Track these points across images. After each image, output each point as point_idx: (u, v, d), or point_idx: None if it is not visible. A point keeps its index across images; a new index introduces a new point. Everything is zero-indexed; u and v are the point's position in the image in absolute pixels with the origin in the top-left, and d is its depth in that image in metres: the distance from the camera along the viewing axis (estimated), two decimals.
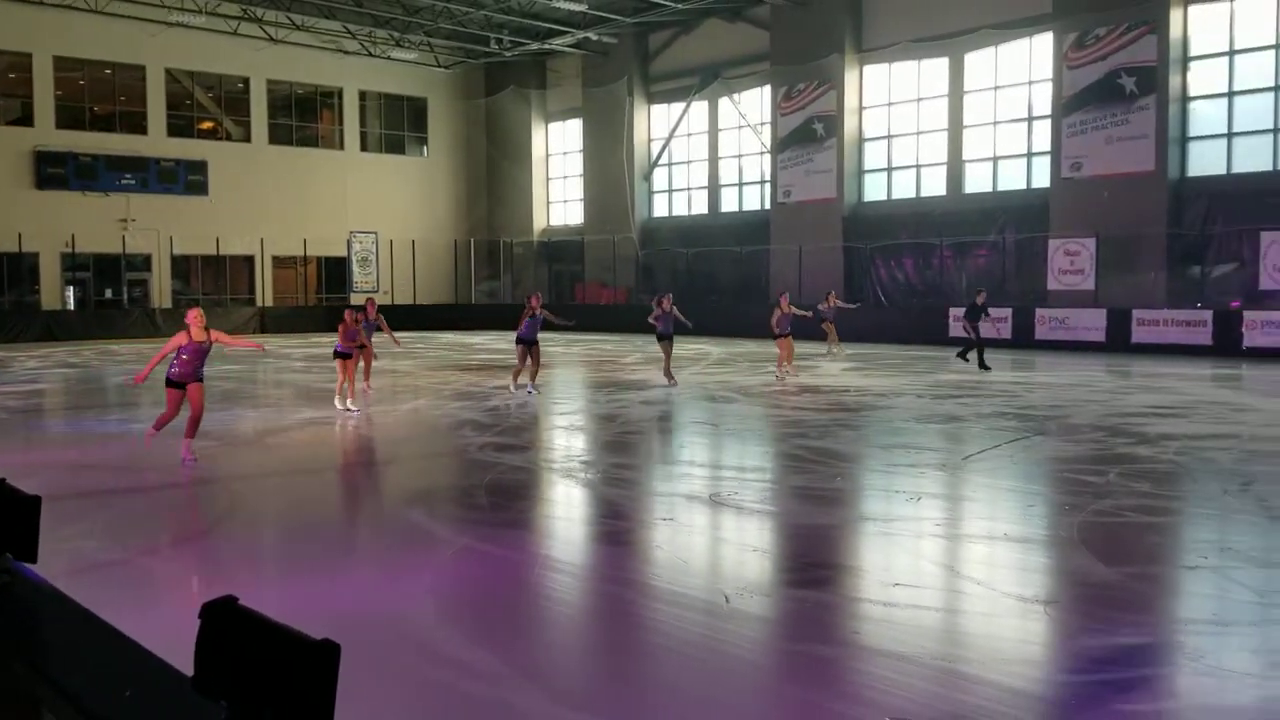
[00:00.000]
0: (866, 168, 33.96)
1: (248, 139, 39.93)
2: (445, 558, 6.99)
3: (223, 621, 2.41)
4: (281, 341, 32.84)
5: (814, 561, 6.79)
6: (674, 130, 39.64)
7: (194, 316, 10.38)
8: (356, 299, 40.64)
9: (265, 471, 10.39)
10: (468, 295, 44.01)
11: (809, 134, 34.00)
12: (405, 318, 39.14)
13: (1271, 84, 25.68)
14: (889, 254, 32.68)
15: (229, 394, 17.05)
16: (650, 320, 17.86)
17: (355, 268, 42.25)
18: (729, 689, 4.71)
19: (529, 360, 16.46)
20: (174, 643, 2.85)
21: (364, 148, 43.11)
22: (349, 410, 14.14)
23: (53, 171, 34.89)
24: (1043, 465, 10.19)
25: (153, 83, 37.45)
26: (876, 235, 32.75)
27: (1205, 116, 26.97)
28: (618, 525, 7.93)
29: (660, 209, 40.85)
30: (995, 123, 30.93)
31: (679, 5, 34.69)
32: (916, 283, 32.16)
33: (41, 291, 35.39)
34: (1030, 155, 30.19)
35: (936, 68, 31.94)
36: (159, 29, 36.19)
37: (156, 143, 37.55)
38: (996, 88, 30.80)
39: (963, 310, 23.36)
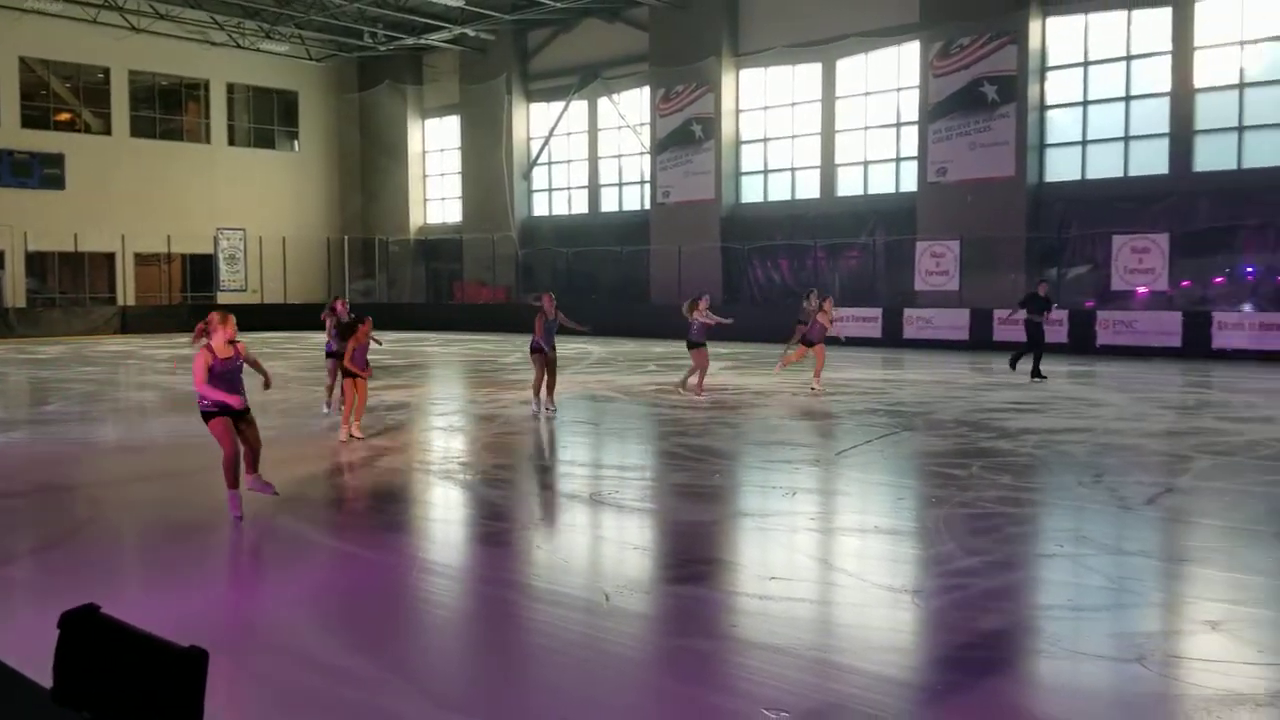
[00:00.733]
0: (744, 170, 34.50)
1: (108, 131, 38.28)
2: (319, 563, 6.84)
3: (83, 631, 2.31)
4: (144, 342, 31.59)
5: (693, 558, 6.87)
6: (553, 129, 39.57)
7: (218, 322, 7.67)
8: (224, 298, 39.41)
9: (129, 477, 9.99)
10: (342, 294, 43.07)
11: (688, 135, 34.35)
12: (276, 317, 38.14)
13: (1122, 94, 27.04)
14: (765, 255, 33.28)
15: (90, 397, 16.32)
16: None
17: (222, 265, 40.92)
18: (610, 687, 4.74)
19: (547, 373, 13.74)
20: (32, 655, 2.73)
21: (232, 141, 41.80)
22: (355, 438, 11.57)
23: None
24: (911, 460, 10.53)
25: (5, 71, 35.59)
26: (753, 236, 33.32)
27: (1061, 124, 28.22)
28: (497, 526, 7.88)
29: (540, 208, 40.71)
30: (866, 128, 31.77)
31: (557, 4, 34.63)
32: (792, 283, 32.80)
33: None
34: (899, 160, 31.11)
35: (810, 73, 32.64)
36: (14, 16, 34.40)
37: (10, 134, 35.70)
38: (867, 94, 31.64)
39: (1014, 308, 19.72)
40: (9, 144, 35.54)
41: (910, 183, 30.31)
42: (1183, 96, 25.88)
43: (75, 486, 9.38)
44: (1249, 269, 24.85)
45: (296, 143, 44.06)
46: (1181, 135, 25.92)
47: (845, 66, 31.94)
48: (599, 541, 7.56)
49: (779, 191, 33.77)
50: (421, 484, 9.59)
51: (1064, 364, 21.90)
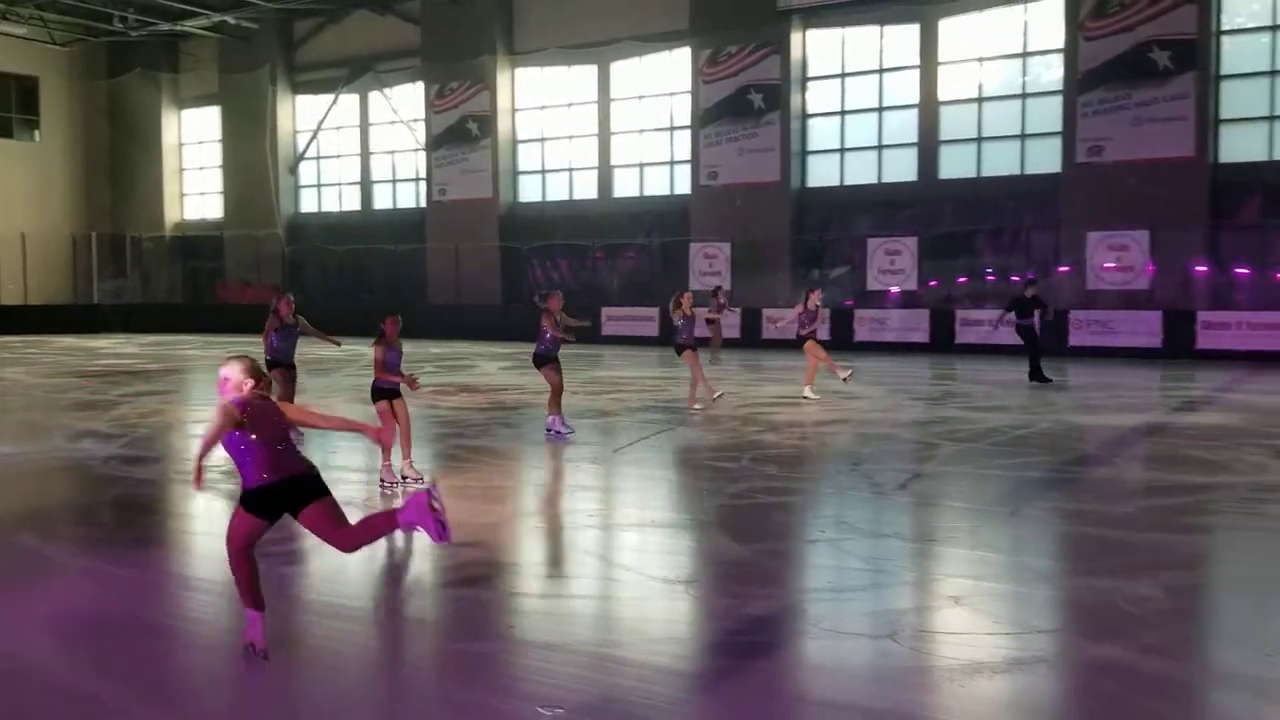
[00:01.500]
0: (521, 169, 34.47)
1: None
2: (64, 582, 6.35)
3: None
4: None
5: (472, 560, 6.81)
6: (322, 123, 38.28)
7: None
8: None
9: None
10: (89, 294, 40.14)
11: (464, 133, 33.99)
12: (14, 320, 35.14)
13: (875, 105, 28.72)
14: (544, 254, 33.39)
15: None
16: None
17: None
18: (384, 694, 4.64)
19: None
20: None
21: None
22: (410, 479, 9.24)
23: None
24: (685, 454, 10.82)
25: None
26: (532, 236, 33.36)
27: (822, 132, 29.71)
28: (264, 537, 7.53)
29: (309, 204, 39.30)
30: (641, 131, 32.40)
31: None
32: (571, 283, 33.06)
33: None
34: (673, 163, 31.90)
35: (585, 74, 32.98)
36: None
37: None
38: (641, 97, 32.27)
39: (1003, 311, 18.28)
40: None
41: (684, 185, 31.13)
42: (929, 108, 27.76)
43: None
44: (988, 270, 26.91)
45: (37, 132, 40.75)
46: (928, 145, 27.80)
47: (620, 69, 32.46)
48: (373, 549, 7.36)
49: (557, 191, 33.95)
50: (178, 495, 9.07)
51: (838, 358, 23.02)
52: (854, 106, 29.04)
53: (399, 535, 7.52)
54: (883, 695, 4.42)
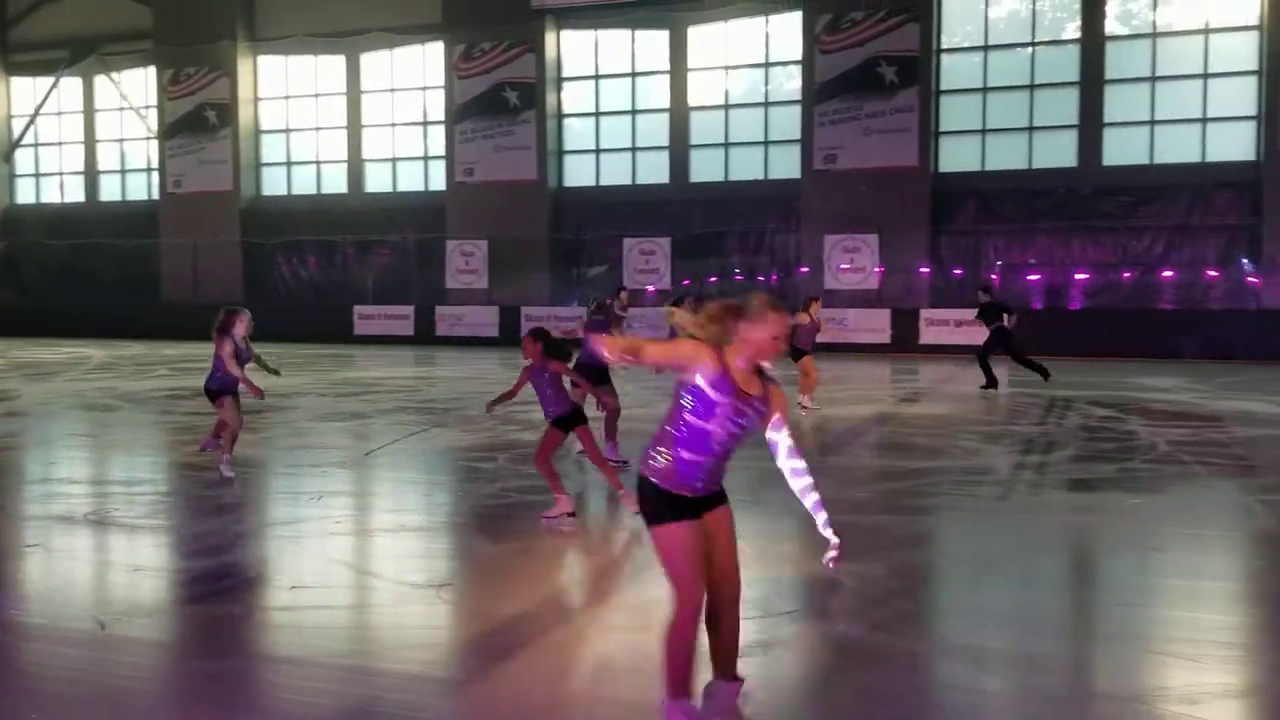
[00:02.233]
0: (265, 160, 32.94)
1: None
2: None
3: None
4: None
5: (214, 574, 6.46)
6: (40, 107, 35.22)
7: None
8: None
9: None
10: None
11: (201, 122, 32.14)
12: None
13: (629, 107, 29.32)
14: (291, 251, 32.05)
15: None
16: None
17: None
18: None
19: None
20: None
21: None
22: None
23: None
24: (442, 455, 10.68)
25: None
26: (278, 231, 31.94)
27: (579, 133, 30.04)
28: None
29: (26, 195, 36.10)
30: (394, 124, 31.68)
31: None
32: (321, 281, 31.93)
33: None
34: (427, 159, 31.39)
35: (334, 64, 31.92)
36: None
37: None
38: (394, 90, 31.56)
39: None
40: None
41: (440, 182, 30.68)
42: (680, 113, 28.62)
43: None
44: (736, 270, 28.04)
45: None
46: (679, 148, 28.67)
47: (370, 60, 31.63)
48: (102, 566, 6.86)
49: (304, 185, 32.68)
50: None
51: None
52: (608, 108, 29.53)
53: (135, 556, 7.04)
54: (638, 686, 4.52)
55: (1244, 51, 24.33)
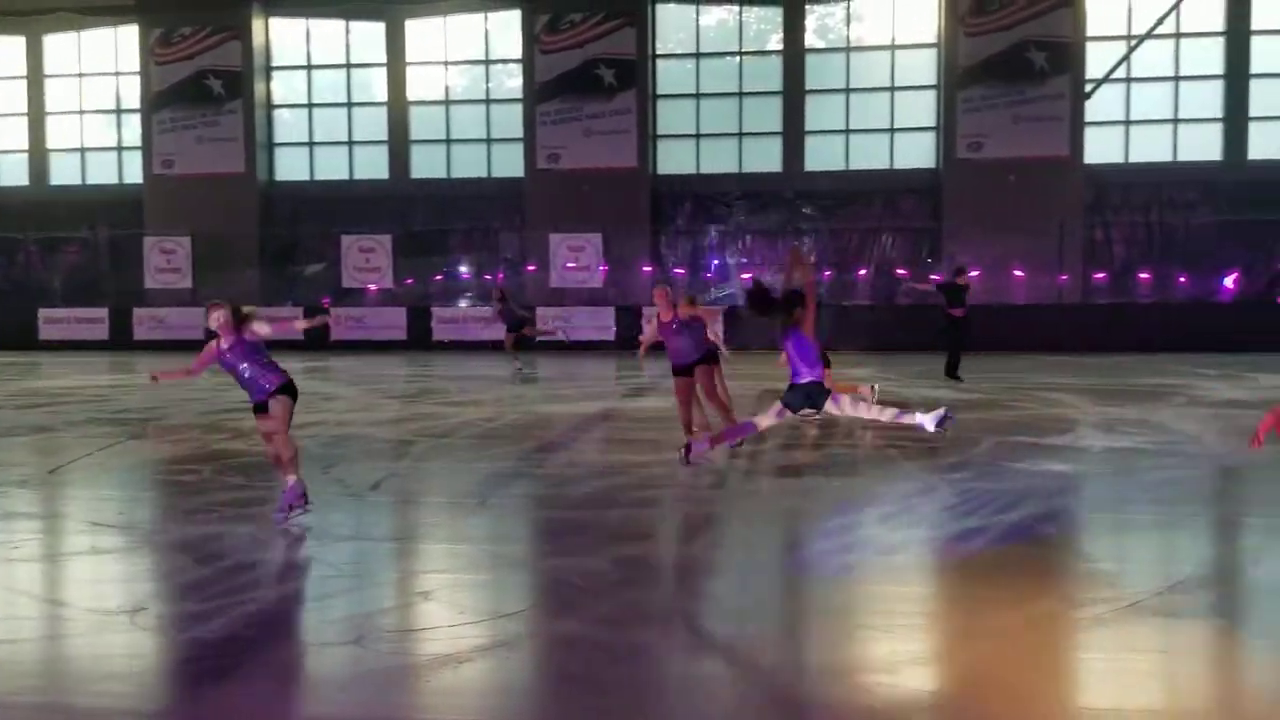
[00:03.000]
0: None
1: None
2: None
3: None
4: None
5: None
6: None
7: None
8: None
9: None
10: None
11: None
12: None
13: (345, 100, 28.38)
14: None
15: None
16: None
17: None
18: None
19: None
20: None
21: None
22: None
23: None
24: (139, 469, 9.90)
25: None
26: None
27: (291, 125, 28.75)
28: None
29: None
30: (82, 112, 29.17)
31: None
32: (1, 281, 29.00)
33: None
34: (121, 149, 29.10)
35: (13, 46, 28.98)
36: None
37: None
38: (82, 75, 29.05)
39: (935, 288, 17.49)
40: None
41: (135, 174, 28.51)
42: (398, 107, 27.99)
43: None
44: (461, 268, 27.77)
45: None
46: (399, 143, 28.04)
47: (55, 43, 28.95)
48: None
49: None
50: None
51: (300, 360, 22.35)
52: (322, 100, 28.46)
53: None
54: (351, 702, 4.34)
55: (925, 67, 26.59)
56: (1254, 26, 25.38)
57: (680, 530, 7.64)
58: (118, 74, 28.82)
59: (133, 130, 28.67)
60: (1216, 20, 25.57)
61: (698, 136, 27.26)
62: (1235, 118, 25.53)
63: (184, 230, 27.35)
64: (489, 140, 27.95)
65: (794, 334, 8.27)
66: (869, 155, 26.81)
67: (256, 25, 27.66)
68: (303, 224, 28.16)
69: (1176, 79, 25.79)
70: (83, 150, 29.27)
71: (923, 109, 26.67)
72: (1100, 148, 25.82)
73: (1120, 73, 25.58)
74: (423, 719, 4.25)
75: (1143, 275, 25.59)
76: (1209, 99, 25.75)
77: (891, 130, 26.76)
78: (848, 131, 26.85)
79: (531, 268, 26.90)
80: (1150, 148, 25.92)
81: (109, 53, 28.84)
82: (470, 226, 27.69)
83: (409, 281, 27.51)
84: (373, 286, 27.30)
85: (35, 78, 29.08)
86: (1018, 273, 24.90)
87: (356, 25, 28.03)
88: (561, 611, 5.53)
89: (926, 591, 6.19)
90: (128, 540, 7.27)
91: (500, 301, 19.26)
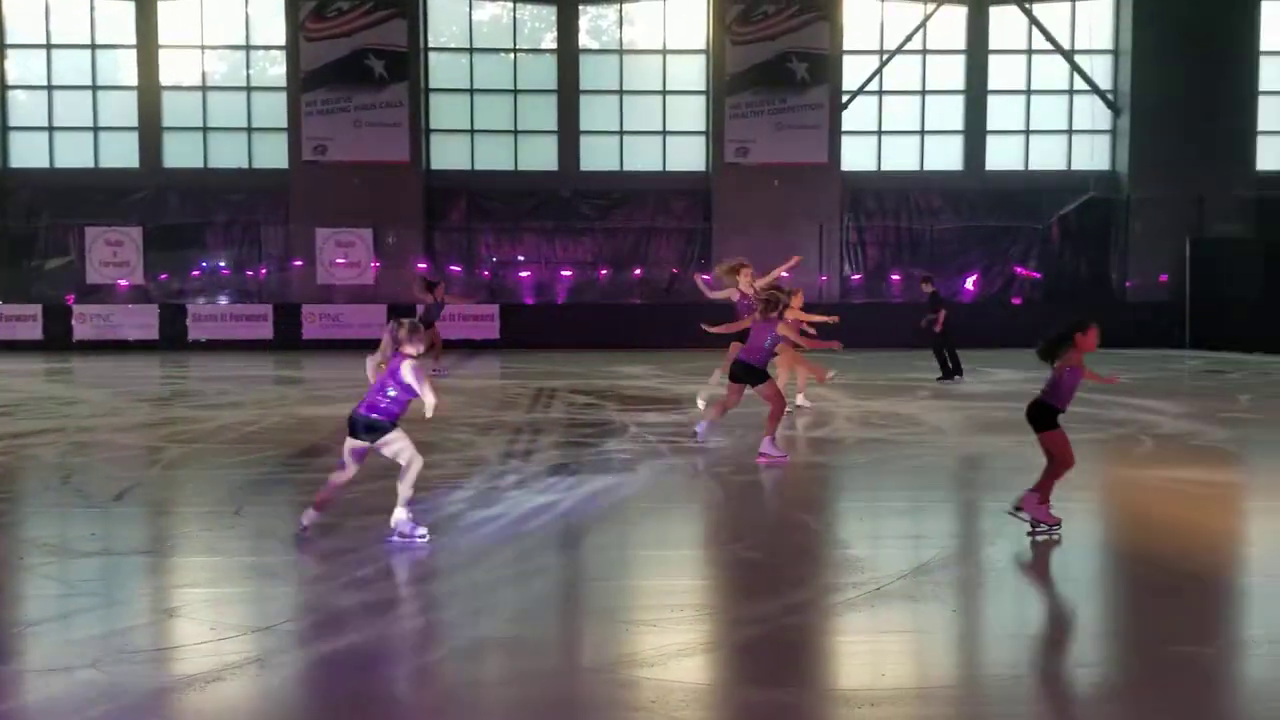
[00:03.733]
0: None
1: None
2: None
3: None
4: None
5: None
6: None
7: None
8: None
9: None
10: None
11: None
12: None
13: (89, 83, 26.37)
14: None
15: None
16: None
17: None
18: None
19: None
20: None
21: None
22: None
23: None
24: None
25: None
26: None
27: (29, 108, 26.50)
28: None
29: None
30: None
31: None
32: None
33: None
34: None
35: None
36: None
37: None
38: None
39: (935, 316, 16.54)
40: None
41: None
42: (150, 92, 26.27)
43: None
44: (221, 263, 26.35)
45: None
46: (150, 130, 26.31)
47: None
48: None
49: None
50: None
51: (39, 362, 20.63)
52: (63, 82, 26.36)
53: None
54: None
55: (695, 73, 27.30)
56: (991, 46, 27.45)
57: (455, 532, 7.46)
58: None
59: None
60: (959, 40, 27.50)
61: (472, 132, 26.95)
62: (974, 131, 27.54)
63: None
64: (250, 129, 26.65)
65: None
66: (643, 157, 27.27)
67: None
68: (42, 215, 25.98)
69: (923, 93, 27.56)
70: None
71: (694, 113, 27.37)
72: (856, 155, 27.30)
73: (874, 85, 27.12)
74: None
75: (894, 276, 27.22)
76: (952, 113, 27.67)
77: (664, 133, 27.31)
78: (622, 133, 27.21)
79: (298, 263, 25.84)
80: (900, 157, 27.62)
81: None
82: (230, 220, 26.33)
83: (162, 277, 25.87)
84: (122, 282, 25.49)
85: None
86: (783, 274, 25.89)
87: (102, 4, 26.10)
88: (323, 625, 5.29)
89: (695, 585, 6.31)
90: None
91: (428, 293, 17.74)
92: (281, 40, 26.15)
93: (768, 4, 26.17)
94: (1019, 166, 27.65)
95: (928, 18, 26.90)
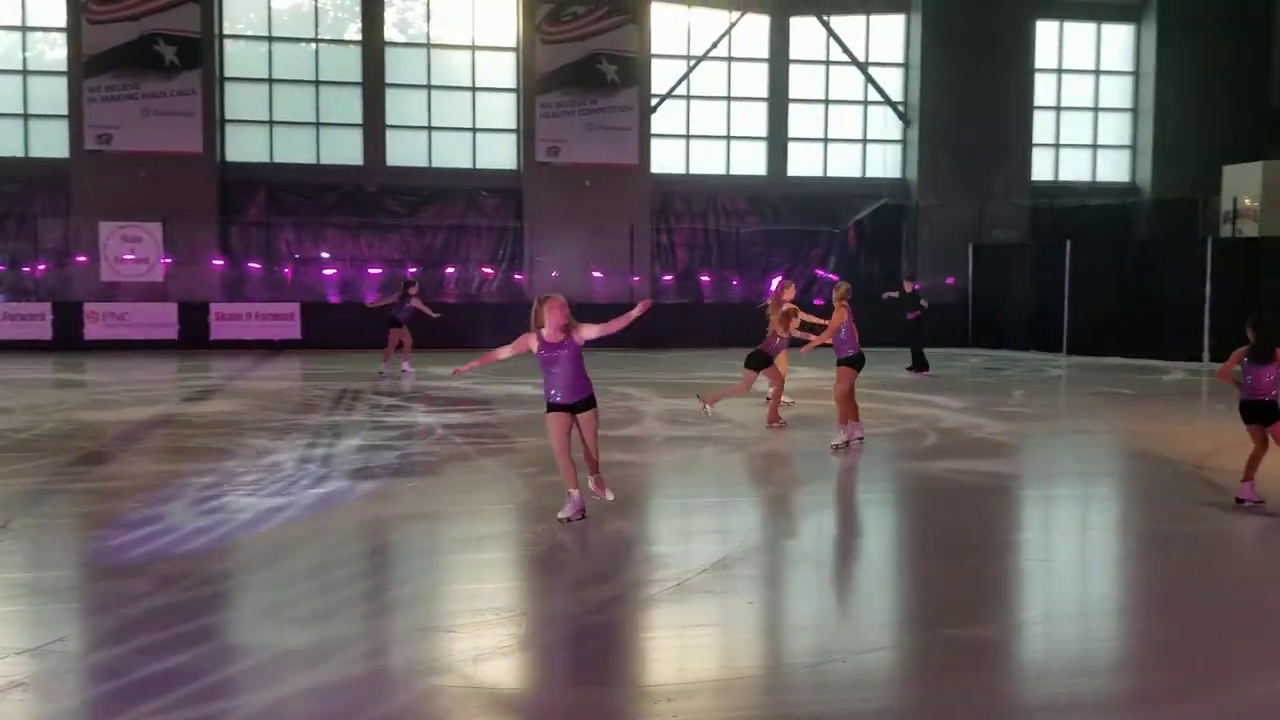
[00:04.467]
0: None
1: None
2: None
3: None
4: None
5: None
6: None
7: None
8: None
9: None
10: None
11: None
12: None
13: None
14: None
15: None
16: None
17: None
18: None
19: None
20: None
21: None
22: None
23: None
24: None
25: None
26: None
27: None
28: None
29: None
30: None
31: None
32: None
33: None
34: None
35: None
36: None
37: None
38: None
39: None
40: None
41: None
42: None
43: None
44: None
45: None
46: None
47: None
48: None
49: None
50: None
51: None
52: None
53: None
54: None
55: (505, 70, 27.10)
56: (792, 56, 28.41)
57: (252, 541, 7.12)
58: None
59: None
60: (762, 48, 28.34)
61: (271, 124, 25.89)
62: (777, 137, 28.45)
63: None
64: (26, 115, 24.77)
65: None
66: (452, 154, 26.86)
67: None
68: None
69: (729, 99, 28.27)
70: None
71: (504, 111, 27.15)
72: (665, 158, 27.72)
73: (682, 90, 27.62)
74: None
75: (703, 278, 27.81)
76: (756, 119, 28.49)
77: (474, 130, 26.98)
78: (430, 129, 26.71)
79: (80, 259, 24.18)
80: (707, 161, 28.24)
81: None
82: (4, 212, 24.41)
83: None
84: None
85: None
86: (596, 274, 26.07)
87: None
88: (100, 643, 4.96)
89: (507, 586, 6.24)
90: None
91: (403, 297, 17.42)
92: (62, 22, 24.39)
93: (577, 5, 26.25)
94: (819, 173, 28.72)
95: (732, 25, 27.61)
